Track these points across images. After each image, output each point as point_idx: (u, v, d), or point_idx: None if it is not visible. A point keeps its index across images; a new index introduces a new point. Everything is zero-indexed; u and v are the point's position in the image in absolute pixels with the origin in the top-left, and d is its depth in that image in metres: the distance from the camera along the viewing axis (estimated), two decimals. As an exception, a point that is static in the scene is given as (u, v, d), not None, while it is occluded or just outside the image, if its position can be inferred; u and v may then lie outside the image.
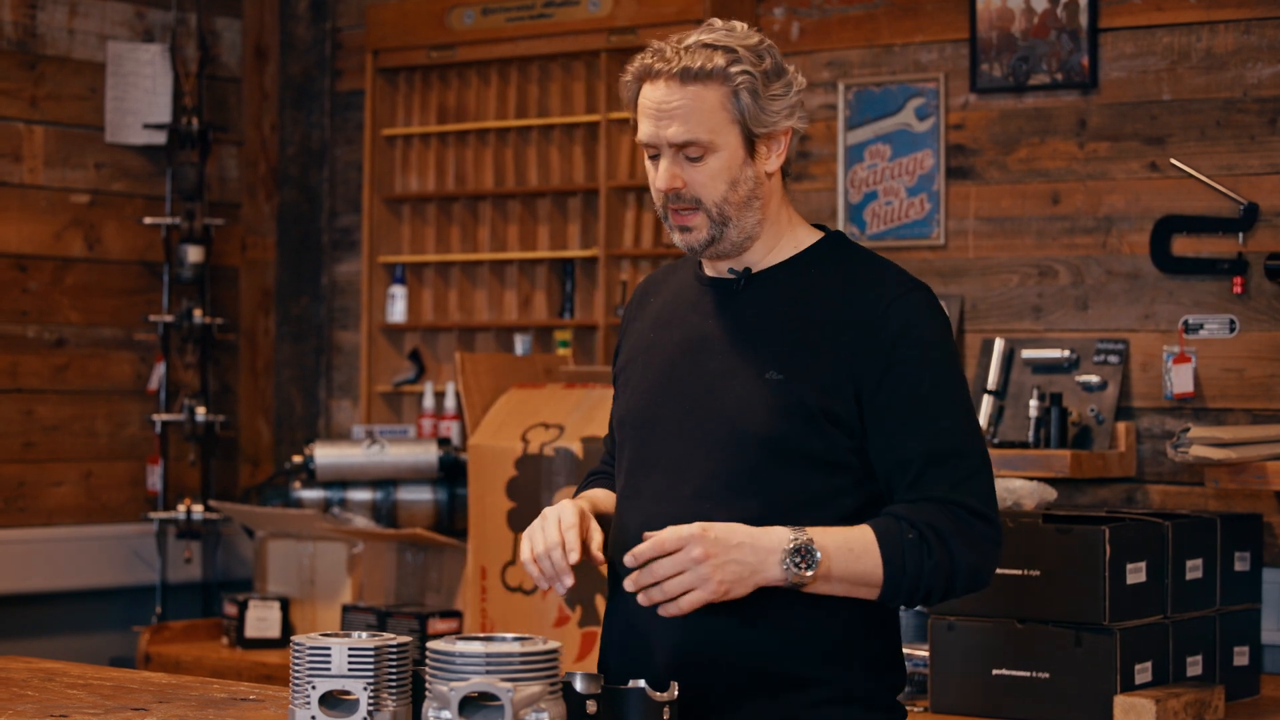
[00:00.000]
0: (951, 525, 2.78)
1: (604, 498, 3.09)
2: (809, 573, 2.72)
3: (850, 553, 2.75)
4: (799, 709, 2.86)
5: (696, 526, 2.70)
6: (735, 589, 2.72)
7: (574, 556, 2.83)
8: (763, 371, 2.86)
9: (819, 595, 2.80)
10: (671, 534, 2.69)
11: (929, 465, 2.81)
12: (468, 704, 2.58)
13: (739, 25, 2.92)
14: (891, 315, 2.84)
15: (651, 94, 2.88)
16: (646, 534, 2.73)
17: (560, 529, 2.85)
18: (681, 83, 2.85)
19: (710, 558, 2.69)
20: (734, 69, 2.84)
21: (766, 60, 2.88)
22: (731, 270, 2.96)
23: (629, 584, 2.72)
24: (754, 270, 2.96)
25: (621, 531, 2.96)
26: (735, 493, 2.83)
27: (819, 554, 2.72)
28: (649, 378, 3.00)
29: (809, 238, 2.98)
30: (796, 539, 2.72)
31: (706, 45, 2.86)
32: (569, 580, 2.82)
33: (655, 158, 2.90)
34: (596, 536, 2.89)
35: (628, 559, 2.72)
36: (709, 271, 3.00)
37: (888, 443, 2.83)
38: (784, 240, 2.96)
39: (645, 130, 2.89)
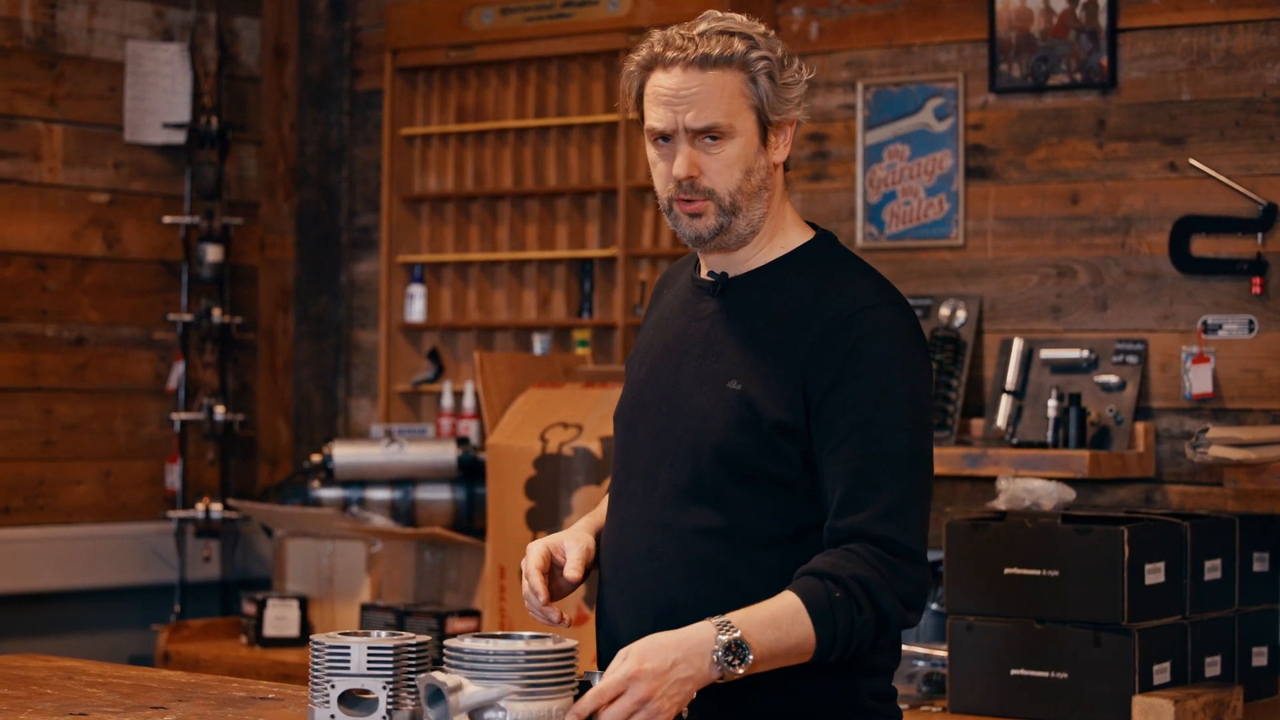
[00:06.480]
0: (876, 576, 2.70)
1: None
2: (741, 669, 2.64)
3: (779, 630, 2.68)
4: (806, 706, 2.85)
5: (630, 666, 2.60)
6: (686, 701, 2.64)
7: (542, 598, 2.89)
8: (726, 380, 2.83)
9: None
10: (610, 683, 2.60)
11: (860, 486, 2.74)
12: (486, 703, 2.58)
13: (739, 16, 2.87)
14: (852, 326, 2.78)
15: (666, 80, 2.81)
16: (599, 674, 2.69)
17: (526, 579, 2.91)
18: (701, 69, 2.79)
19: (655, 693, 2.59)
20: (753, 54, 2.80)
21: (779, 48, 2.84)
22: (711, 274, 2.93)
23: None
24: (739, 271, 2.91)
25: (608, 534, 2.96)
26: (695, 501, 2.81)
27: (749, 647, 2.64)
28: (639, 378, 3.00)
29: (799, 238, 2.93)
30: (724, 638, 2.64)
31: (722, 32, 2.81)
32: (554, 616, 2.89)
33: (663, 143, 2.85)
34: (572, 556, 2.94)
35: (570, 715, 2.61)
36: (703, 272, 2.97)
37: (828, 457, 2.77)
38: (776, 239, 2.91)
39: (660, 117, 2.82)
